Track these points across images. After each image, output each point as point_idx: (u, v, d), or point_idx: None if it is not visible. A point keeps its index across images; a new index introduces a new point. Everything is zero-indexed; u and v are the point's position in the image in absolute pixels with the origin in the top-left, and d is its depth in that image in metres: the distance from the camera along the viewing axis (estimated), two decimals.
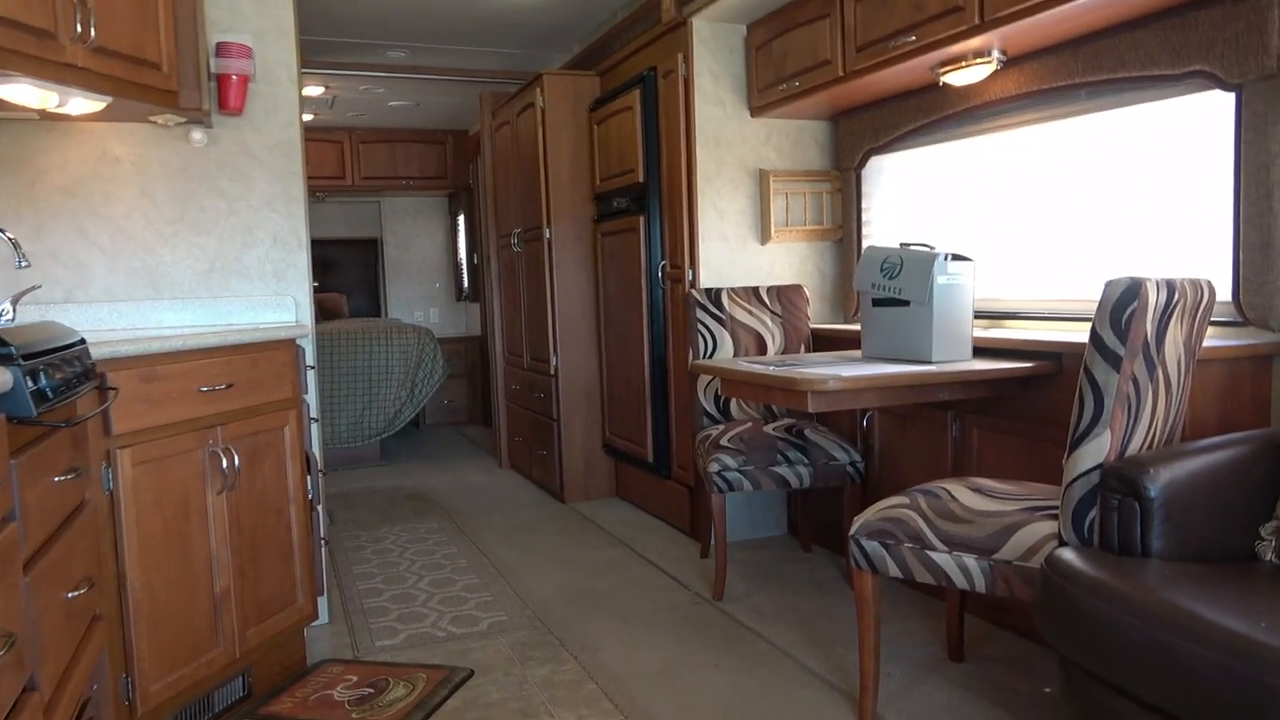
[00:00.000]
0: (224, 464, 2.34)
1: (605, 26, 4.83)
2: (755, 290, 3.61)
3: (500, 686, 2.51)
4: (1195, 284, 1.95)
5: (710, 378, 3.50)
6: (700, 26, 3.66)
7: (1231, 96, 2.30)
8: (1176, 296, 1.88)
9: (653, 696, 2.42)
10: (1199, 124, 2.46)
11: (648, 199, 3.99)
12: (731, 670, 2.57)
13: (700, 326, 3.52)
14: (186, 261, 2.98)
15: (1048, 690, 2.36)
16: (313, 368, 3.01)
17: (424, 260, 7.98)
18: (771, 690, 2.43)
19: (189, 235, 2.98)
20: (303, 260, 3.10)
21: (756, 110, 3.71)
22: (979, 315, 3.18)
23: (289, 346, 2.63)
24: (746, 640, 2.77)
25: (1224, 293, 2.33)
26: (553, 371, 4.61)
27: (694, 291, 3.57)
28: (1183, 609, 1.49)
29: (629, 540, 3.87)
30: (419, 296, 7.94)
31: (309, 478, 2.74)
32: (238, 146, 3.02)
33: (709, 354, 3.51)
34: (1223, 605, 1.51)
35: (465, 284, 7.59)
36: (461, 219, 7.55)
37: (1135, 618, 1.53)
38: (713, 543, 3.18)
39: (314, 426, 2.94)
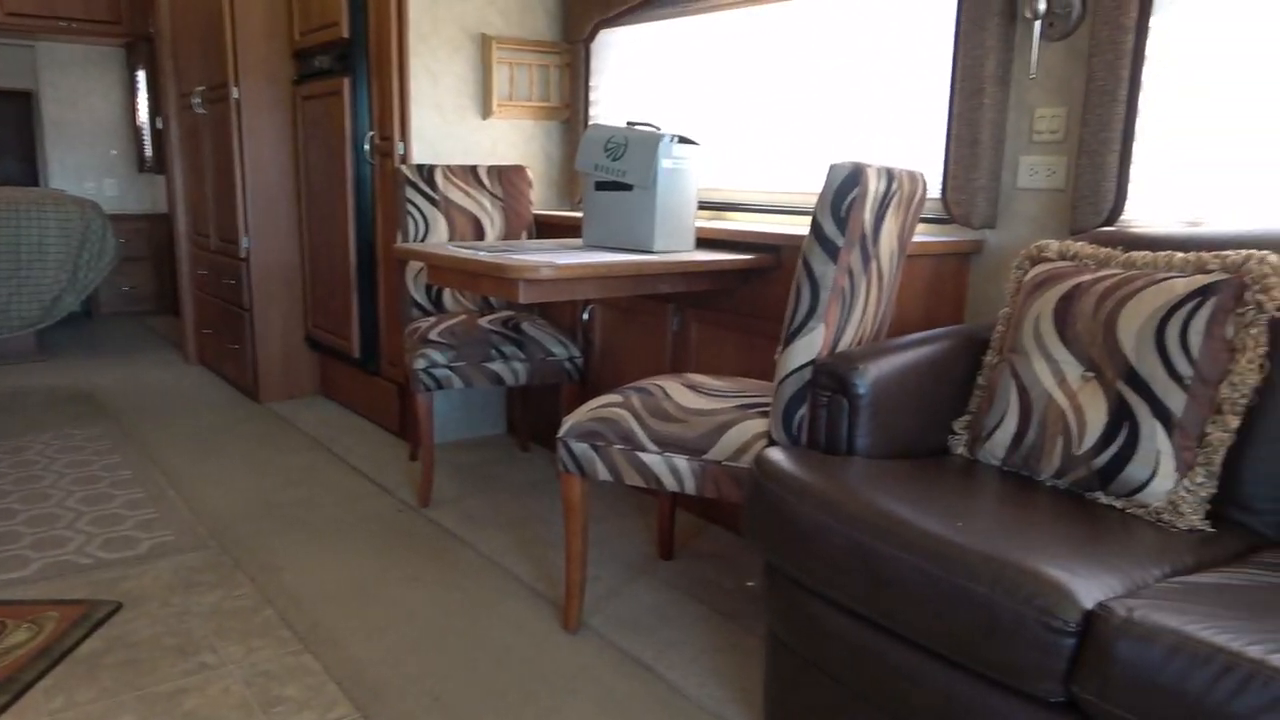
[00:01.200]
0: None
1: None
2: (474, 169, 3.28)
3: (155, 620, 2.14)
4: (912, 175, 1.89)
5: (420, 265, 3.16)
6: None
7: None
8: (895, 186, 1.81)
9: (340, 619, 2.16)
10: (933, 14, 2.41)
11: (354, 59, 3.49)
12: (432, 583, 2.35)
13: (411, 207, 3.15)
14: None
15: (751, 584, 2.36)
16: None
17: (96, 122, 6.78)
18: (474, 603, 2.25)
19: None
20: None
21: None
22: (702, 205, 3.07)
23: None
24: (452, 549, 2.56)
25: (935, 189, 2.33)
26: (244, 255, 4.03)
27: (404, 168, 3.17)
28: (884, 511, 1.43)
29: (331, 443, 3.51)
30: (91, 165, 6.77)
31: None
32: None
33: (420, 238, 3.16)
34: (921, 505, 1.47)
35: (149, 152, 6.55)
36: (143, 75, 6.45)
37: (838, 521, 1.46)
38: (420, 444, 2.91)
39: None
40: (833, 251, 1.74)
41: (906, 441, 1.79)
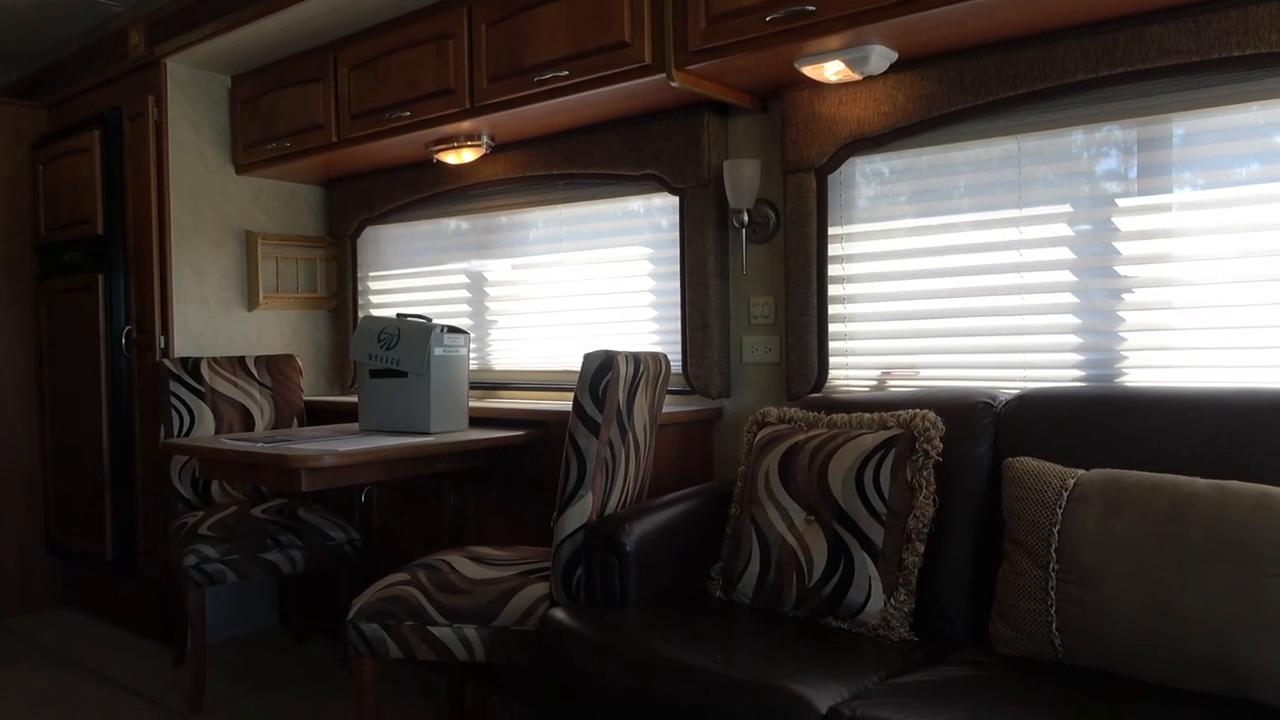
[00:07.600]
0: None
1: (55, 54, 4.17)
2: (241, 360, 3.32)
3: None
4: (655, 357, 2.22)
5: (186, 458, 3.11)
6: (177, 70, 3.33)
7: (676, 199, 2.69)
8: (641, 368, 2.12)
9: None
10: (664, 219, 2.83)
11: (110, 254, 3.47)
12: None
13: (175, 401, 3.13)
14: None
15: None
16: None
17: None
18: None
19: None
20: None
21: (243, 167, 3.46)
22: (473, 386, 3.28)
23: None
24: None
25: (678, 365, 2.69)
26: None
27: (167, 361, 3.17)
28: (657, 653, 1.65)
29: (82, 658, 3.24)
30: None
31: None
32: None
33: (185, 431, 3.13)
34: (687, 644, 1.70)
35: None
36: None
37: (618, 668, 1.65)
38: (189, 646, 2.79)
39: None
40: (594, 427, 2.00)
41: (670, 589, 2.03)
